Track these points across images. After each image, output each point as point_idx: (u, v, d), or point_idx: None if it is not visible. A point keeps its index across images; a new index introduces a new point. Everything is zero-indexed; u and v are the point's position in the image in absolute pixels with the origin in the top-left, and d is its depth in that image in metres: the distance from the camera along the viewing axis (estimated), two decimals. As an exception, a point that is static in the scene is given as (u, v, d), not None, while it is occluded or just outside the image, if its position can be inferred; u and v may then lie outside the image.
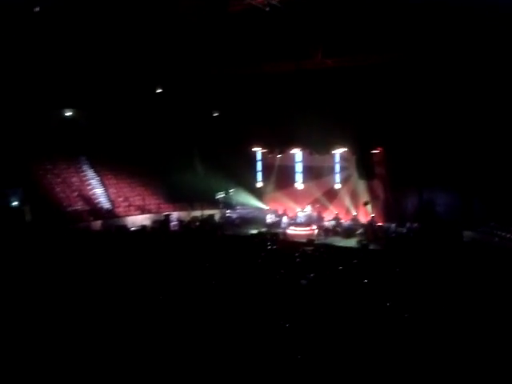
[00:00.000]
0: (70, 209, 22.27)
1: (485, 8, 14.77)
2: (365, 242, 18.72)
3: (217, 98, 23.53)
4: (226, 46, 19.88)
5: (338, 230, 21.16)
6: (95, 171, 24.66)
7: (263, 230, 21.29)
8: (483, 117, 18.03)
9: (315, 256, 14.67)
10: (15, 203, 19.79)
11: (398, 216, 20.78)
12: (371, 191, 21.69)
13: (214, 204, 24.03)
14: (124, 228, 21.85)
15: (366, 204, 21.46)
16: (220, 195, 23.78)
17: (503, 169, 17.89)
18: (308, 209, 22.76)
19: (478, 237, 17.83)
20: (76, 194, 23.20)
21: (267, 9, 16.67)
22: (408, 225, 20.05)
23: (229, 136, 23.45)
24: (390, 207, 21.40)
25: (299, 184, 23.93)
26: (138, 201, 24.53)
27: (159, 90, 23.79)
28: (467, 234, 18.16)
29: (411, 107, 19.31)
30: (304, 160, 23.96)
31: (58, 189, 22.75)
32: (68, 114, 24.31)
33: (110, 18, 18.00)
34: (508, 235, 16.97)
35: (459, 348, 7.43)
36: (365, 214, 21.69)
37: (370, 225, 20.53)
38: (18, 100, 20.76)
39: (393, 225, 20.38)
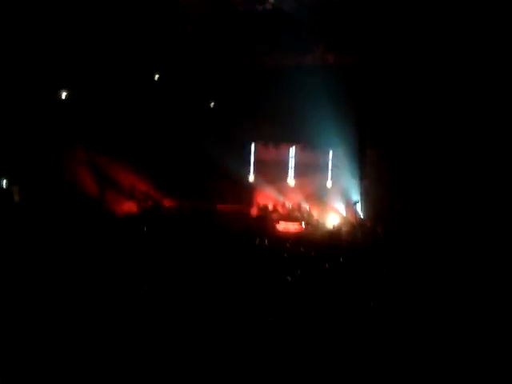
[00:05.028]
0: (59, 192, 22.12)
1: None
2: (352, 241, 18.80)
3: (214, 88, 23.37)
4: (225, 35, 19.68)
5: (326, 228, 21.23)
6: (87, 156, 24.47)
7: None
8: (480, 124, 18.08)
9: (302, 252, 14.75)
10: (4, 184, 19.77)
11: (387, 217, 20.86)
12: (362, 191, 21.81)
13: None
14: (114, 212, 21.91)
15: (355, 204, 21.65)
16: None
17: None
18: (298, 205, 22.82)
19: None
20: (66, 177, 23.02)
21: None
22: (395, 226, 20.12)
23: (223, 127, 23.37)
24: (379, 208, 21.49)
25: (290, 179, 24.08)
26: (128, 187, 24.46)
27: (156, 77, 23.50)
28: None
29: (409, 109, 19.41)
30: (296, 156, 24.09)
31: (48, 171, 22.55)
32: (63, 96, 24.02)
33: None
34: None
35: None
36: (353, 214, 21.81)
37: (359, 224, 20.64)
38: (14, 84, 20.44)
39: (380, 226, 20.46)
